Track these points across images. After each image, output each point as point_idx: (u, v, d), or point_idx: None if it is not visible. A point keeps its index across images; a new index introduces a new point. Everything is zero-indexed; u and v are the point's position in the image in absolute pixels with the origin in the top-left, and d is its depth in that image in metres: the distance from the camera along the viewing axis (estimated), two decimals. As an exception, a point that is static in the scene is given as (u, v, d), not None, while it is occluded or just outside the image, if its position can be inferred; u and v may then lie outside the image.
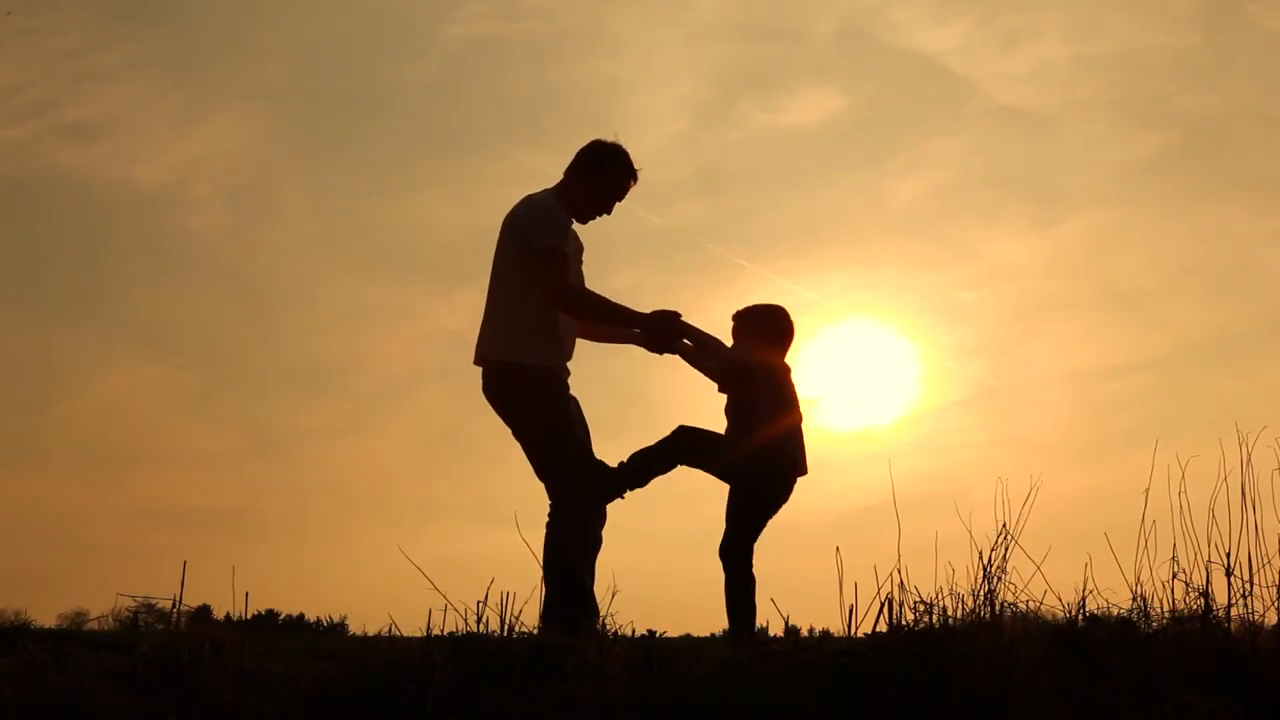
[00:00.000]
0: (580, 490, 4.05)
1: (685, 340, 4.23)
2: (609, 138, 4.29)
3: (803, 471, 4.28)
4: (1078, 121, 42.29)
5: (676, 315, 4.17)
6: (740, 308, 4.43)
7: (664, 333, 4.18)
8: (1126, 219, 43.45)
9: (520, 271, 4.10)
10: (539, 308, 4.07)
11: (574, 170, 4.28)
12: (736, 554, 4.18)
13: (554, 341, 4.10)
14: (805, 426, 4.31)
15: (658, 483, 4.16)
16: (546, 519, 4.06)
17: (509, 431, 4.13)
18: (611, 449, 4.19)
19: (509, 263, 4.14)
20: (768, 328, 4.37)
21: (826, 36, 43.70)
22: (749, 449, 4.18)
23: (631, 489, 4.16)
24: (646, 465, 4.15)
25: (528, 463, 4.11)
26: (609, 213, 4.30)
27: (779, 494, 4.25)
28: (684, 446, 4.18)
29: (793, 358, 4.36)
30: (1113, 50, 41.00)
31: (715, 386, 4.33)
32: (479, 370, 4.16)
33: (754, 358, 4.28)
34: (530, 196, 4.21)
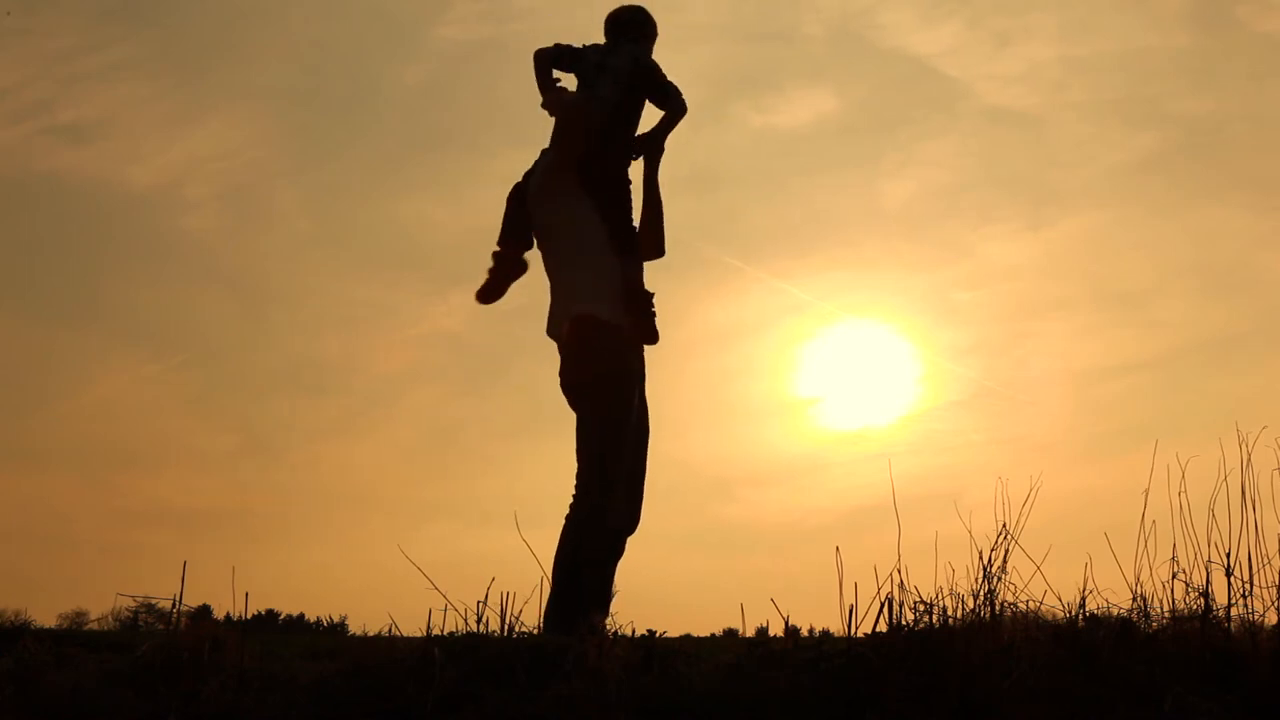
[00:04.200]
0: (607, 486, 3.92)
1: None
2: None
3: None
4: (1070, 122, 42.31)
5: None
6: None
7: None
8: (1121, 219, 43.48)
9: (583, 224, 4.13)
10: (602, 263, 4.09)
11: None
12: None
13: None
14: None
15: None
16: (568, 509, 3.95)
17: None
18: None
19: (565, 214, 4.17)
20: None
21: (818, 38, 43.63)
22: None
23: None
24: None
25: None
26: None
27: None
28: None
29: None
30: (1104, 51, 41.01)
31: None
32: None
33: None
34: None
